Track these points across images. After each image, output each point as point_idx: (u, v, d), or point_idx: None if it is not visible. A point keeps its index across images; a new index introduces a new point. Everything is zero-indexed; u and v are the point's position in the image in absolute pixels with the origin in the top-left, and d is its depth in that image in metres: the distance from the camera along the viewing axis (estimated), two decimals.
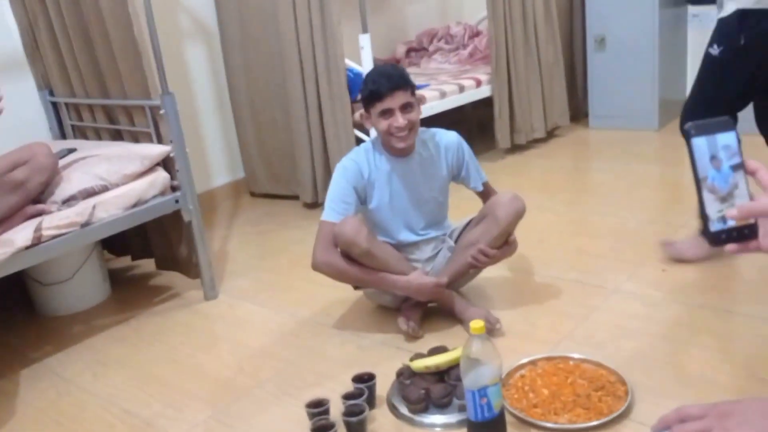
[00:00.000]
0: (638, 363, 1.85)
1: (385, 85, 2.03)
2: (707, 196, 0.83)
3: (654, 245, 2.60)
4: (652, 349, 1.94)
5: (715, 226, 0.84)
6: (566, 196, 3.27)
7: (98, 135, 2.81)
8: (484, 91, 3.96)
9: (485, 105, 4.08)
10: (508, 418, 1.64)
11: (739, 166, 0.84)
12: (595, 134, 4.38)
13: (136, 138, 2.63)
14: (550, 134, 4.31)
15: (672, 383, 1.77)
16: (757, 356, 1.86)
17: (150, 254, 2.89)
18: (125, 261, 3.04)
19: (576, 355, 1.87)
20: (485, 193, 2.29)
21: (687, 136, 0.84)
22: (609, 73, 4.29)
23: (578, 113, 4.58)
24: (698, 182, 0.84)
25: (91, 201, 2.28)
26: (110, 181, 2.35)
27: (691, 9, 4.34)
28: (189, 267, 2.66)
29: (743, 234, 0.84)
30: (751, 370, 1.79)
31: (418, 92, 2.16)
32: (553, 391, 1.73)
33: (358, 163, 2.16)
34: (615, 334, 2.04)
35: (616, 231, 2.83)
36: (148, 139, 2.56)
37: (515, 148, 4.08)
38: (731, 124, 0.84)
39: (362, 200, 2.17)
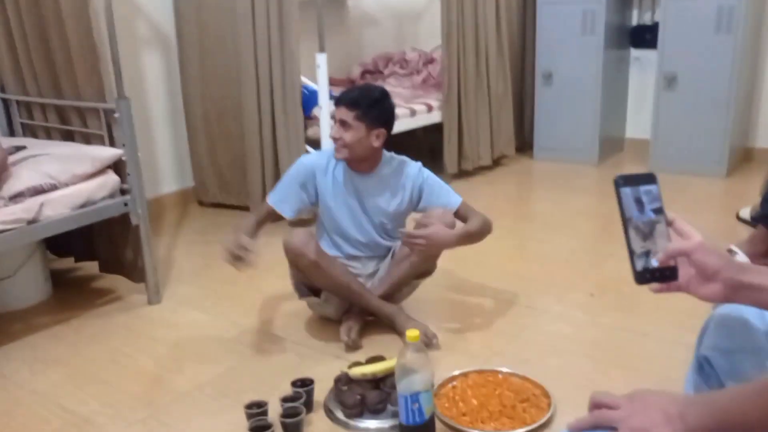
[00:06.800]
0: (561, 379, 1.97)
1: (341, 96, 2.18)
2: (632, 234, 0.96)
3: (583, 271, 2.75)
4: (575, 366, 2.07)
5: (639, 264, 0.96)
6: (507, 222, 3.40)
7: (48, 135, 2.80)
8: (435, 117, 4.11)
9: (436, 131, 4.22)
10: (438, 425, 1.73)
11: (660, 210, 0.97)
12: (538, 165, 4.57)
13: (87, 140, 2.64)
14: (496, 163, 4.48)
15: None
16: (668, 377, 1.99)
17: (93, 257, 2.87)
18: (68, 262, 3.02)
19: (505, 369, 1.98)
20: (461, 217, 2.25)
21: (616, 185, 0.96)
22: (554, 108, 4.50)
23: (524, 144, 4.78)
24: (625, 223, 0.97)
25: (39, 198, 2.27)
26: (60, 180, 2.35)
27: (634, 52, 4.61)
28: (133, 271, 2.67)
29: (665, 275, 0.97)
30: (662, 388, 1.92)
31: (379, 130, 2.17)
32: (482, 402, 1.83)
33: (315, 161, 2.28)
34: (542, 352, 2.16)
35: (549, 257, 2.98)
36: (100, 141, 2.57)
37: (462, 174, 4.22)
38: (654, 179, 0.98)
39: (311, 198, 2.29)
